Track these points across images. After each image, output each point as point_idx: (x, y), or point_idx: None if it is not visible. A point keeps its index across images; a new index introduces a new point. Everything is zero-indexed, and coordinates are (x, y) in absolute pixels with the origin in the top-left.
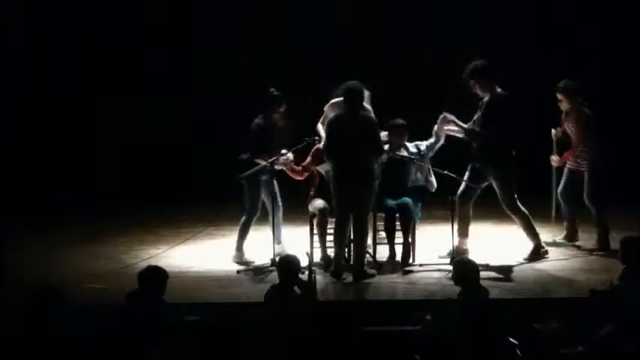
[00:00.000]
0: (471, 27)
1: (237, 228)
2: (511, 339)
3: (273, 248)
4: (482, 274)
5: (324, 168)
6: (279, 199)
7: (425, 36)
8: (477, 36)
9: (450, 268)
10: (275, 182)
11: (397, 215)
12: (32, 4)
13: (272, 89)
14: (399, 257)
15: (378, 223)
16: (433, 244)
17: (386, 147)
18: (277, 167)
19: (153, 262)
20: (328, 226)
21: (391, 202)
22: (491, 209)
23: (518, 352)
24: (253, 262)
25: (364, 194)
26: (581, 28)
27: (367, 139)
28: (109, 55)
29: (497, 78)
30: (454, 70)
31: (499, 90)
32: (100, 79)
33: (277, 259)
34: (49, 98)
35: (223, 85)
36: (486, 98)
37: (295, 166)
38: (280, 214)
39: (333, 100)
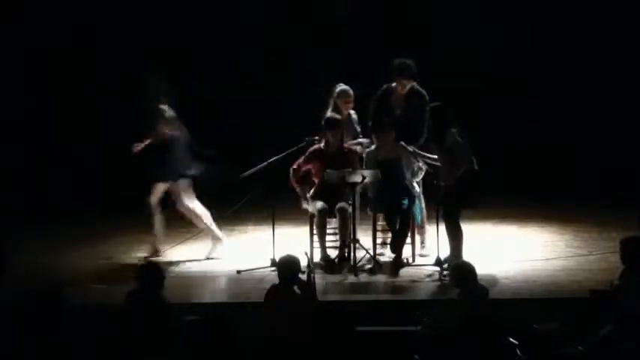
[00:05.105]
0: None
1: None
2: (511, 339)
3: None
4: (482, 274)
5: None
6: None
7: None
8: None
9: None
10: None
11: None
12: (32, 4)
13: None
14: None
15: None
16: (433, 245)
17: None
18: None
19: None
20: (328, 227)
21: (390, 201)
22: (491, 210)
23: (518, 352)
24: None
25: None
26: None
27: None
28: (109, 54)
29: None
30: (454, 71)
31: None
32: (100, 79)
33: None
34: (49, 98)
35: (224, 84)
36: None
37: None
38: None
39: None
